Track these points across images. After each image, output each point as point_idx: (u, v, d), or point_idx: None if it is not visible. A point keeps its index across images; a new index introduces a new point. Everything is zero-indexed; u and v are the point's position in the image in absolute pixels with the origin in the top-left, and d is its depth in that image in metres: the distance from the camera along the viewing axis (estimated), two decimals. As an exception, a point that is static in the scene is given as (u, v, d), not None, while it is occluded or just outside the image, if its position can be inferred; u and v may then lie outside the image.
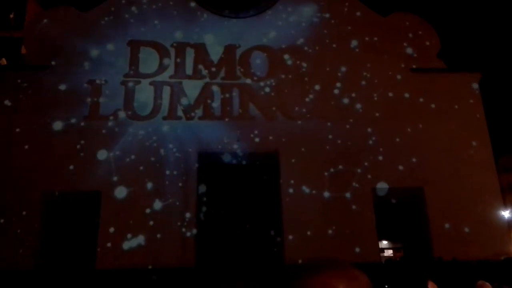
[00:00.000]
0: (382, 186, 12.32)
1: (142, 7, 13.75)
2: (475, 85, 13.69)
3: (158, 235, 11.48)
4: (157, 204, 11.78)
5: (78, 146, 12.00)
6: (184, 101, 12.95)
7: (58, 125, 12.20)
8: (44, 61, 12.80)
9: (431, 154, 12.76)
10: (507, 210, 14.13)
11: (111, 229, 11.39)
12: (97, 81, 12.77)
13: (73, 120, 12.33)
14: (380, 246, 13.42)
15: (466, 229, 12.06)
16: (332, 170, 12.39)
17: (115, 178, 11.86)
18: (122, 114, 12.58)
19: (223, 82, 13.27)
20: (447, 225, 12.15)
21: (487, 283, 4.09)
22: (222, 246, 12.20)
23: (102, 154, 11.98)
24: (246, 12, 14.14)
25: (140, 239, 11.40)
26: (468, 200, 12.35)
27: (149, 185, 11.94)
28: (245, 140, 12.57)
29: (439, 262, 11.15)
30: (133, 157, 12.13)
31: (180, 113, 12.84)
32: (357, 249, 11.67)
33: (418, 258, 12.16)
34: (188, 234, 11.68)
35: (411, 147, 12.82)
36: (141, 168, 12.02)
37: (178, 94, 12.99)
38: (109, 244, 11.34)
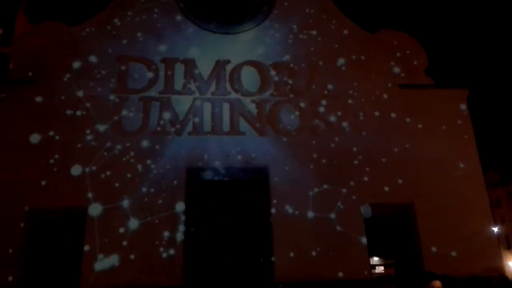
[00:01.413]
0: (366, 208, 12.32)
1: (131, 22, 13.74)
2: (463, 106, 13.81)
3: (145, 253, 11.22)
4: (143, 222, 11.54)
5: (60, 162, 11.81)
6: (173, 116, 12.84)
7: (36, 139, 11.99)
8: (30, 76, 12.66)
9: (420, 170, 12.80)
10: (497, 225, 14.17)
11: (96, 248, 11.10)
12: (84, 96, 12.60)
13: (56, 136, 12.12)
14: (371, 263, 13.32)
15: (457, 245, 12.05)
16: (319, 188, 12.34)
17: (96, 194, 11.64)
18: (107, 129, 12.39)
19: (213, 97, 13.24)
20: (437, 241, 12.11)
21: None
22: (211, 265, 11.99)
23: (81, 170, 11.83)
24: (235, 28, 14.22)
25: (126, 258, 11.11)
26: (458, 215, 12.36)
27: (133, 202, 11.71)
28: (234, 155, 12.50)
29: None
30: (129, 175, 11.97)
31: (168, 128, 12.71)
32: (348, 267, 11.56)
33: (409, 275, 12.09)
34: (175, 252, 11.42)
35: (400, 163, 12.85)
36: (117, 184, 11.82)
37: (167, 110, 12.88)
38: (93, 263, 11.03)
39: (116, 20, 13.75)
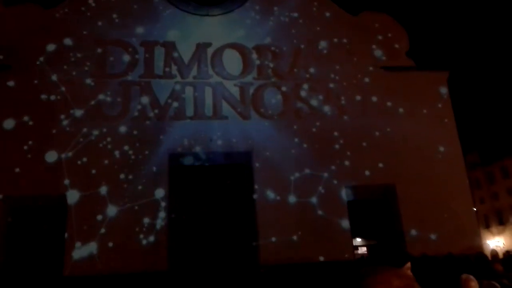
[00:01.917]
0: (347, 191, 12.48)
1: (110, 5, 13.34)
2: (444, 89, 13.92)
3: (128, 239, 11.13)
4: (125, 208, 11.40)
5: (35, 148, 11.54)
6: (153, 101, 12.65)
7: (10, 125, 11.68)
8: (5, 61, 12.27)
9: (402, 153, 12.92)
10: (476, 206, 14.46)
11: (75, 235, 10.97)
12: (59, 80, 12.25)
13: (30, 121, 11.79)
14: (354, 244, 13.51)
15: (437, 225, 12.25)
16: (301, 172, 12.32)
17: (73, 181, 11.44)
18: (84, 114, 12.11)
19: (194, 81, 13.04)
20: (418, 222, 12.30)
21: (471, 276, 4.06)
22: (195, 249, 11.99)
23: (56, 156, 11.56)
24: (216, 10, 13.98)
25: (106, 245, 11.00)
26: (438, 196, 12.55)
27: (112, 188, 11.53)
28: (217, 140, 12.40)
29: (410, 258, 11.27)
30: (106, 162, 11.74)
31: (149, 113, 12.53)
32: (331, 248, 11.68)
33: (387, 255, 12.31)
34: (159, 237, 11.35)
35: (382, 146, 12.93)
36: (94, 171, 11.60)
37: (147, 94, 12.68)
38: (77, 250, 10.92)
39: (91, 1, 13.34)
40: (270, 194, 12.10)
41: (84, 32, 12.93)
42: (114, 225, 11.21)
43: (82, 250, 10.91)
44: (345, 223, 12.11)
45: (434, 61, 14.97)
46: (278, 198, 12.06)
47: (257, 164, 12.41)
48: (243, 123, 12.79)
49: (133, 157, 11.93)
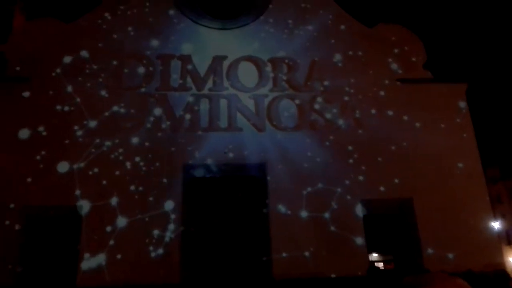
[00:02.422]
0: (361, 207, 12.22)
1: (125, 18, 13.60)
2: (463, 104, 13.64)
3: (141, 251, 11.14)
4: (138, 218, 11.43)
5: (47, 158, 11.71)
6: (169, 113, 12.72)
7: (25, 135, 11.91)
8: (25, 73, 12.58)
9: (419, 166, 12.65)
10: (497, 221, 14.05)
11: (86, 246, 11.04)
12: (75, 93, 12.46)
13: (45, 132, 12.01)
14: (370, 259, 13.23)
15: (456, 240, 11.90)
16: (313, 187, 12.18)
17: (84, 192, 11.54)
18: (97, 125, 12.25)
19: (210, 93, 13.11)
20: (437, 237, 11.98)
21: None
22: (208, 262, 11.90)
23: (71, 167, 11.70)
24: (231, 23, 14.08)
25: (122, 255, 11.03)
26: (457, 211, 12.24)
27: (126, 199, 11.61)
28: (232, 152, 12.39)
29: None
30: (117, 173, 11.81)
31: (164, 125, 12.59)
32: (347, 263, 11.45)
33: (408, 270, 11.99)
34: (171, 249, 11.32)
35: (399, 160, 12.72)
36: (105, 182, 11.69)
37: (163, 106, 12.76)
38: (90, 261, 10.96)
39: (107, 15, 13.59)
40: (283, 208, 11.97)
41: (100, 45, 13.16)
42: (124, 236, 11.22)
43: (91, 261, 10.96)
44: (360, 239, 11.86)
45: (452, 73, 14.74)
46: (291, 212, 11.92)
47: (270, 177, 12.33)
48: (257, 135, 12.76)
49: (144, 168, 11.97)
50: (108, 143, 12.11)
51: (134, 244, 11.17)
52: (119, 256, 10.99)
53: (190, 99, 12.96)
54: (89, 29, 13.36)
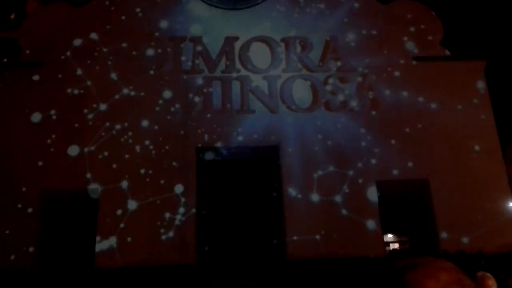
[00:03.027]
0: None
1: (138, 2, 13.47)
2: (481, 84, 13.25)
3: (156, 232, 11.29)
4: (154, 200, 11.55)
5: (65, 143, 11.84)
6: (181, 95, 12.66)
7: (37, 118, 12.03)
8: (36, 58, 12.65)
9: (436, 146, 12.45)
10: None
11: (109, 228, 11.21)
12: (86, 75, 12.50)
13: (55, 116, 12.11)
14: (385, 240, 13.17)
15: (473, 222, 11.76)
16: (325, 170, 12.09)
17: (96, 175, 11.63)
18: (107, 109, 12.30)
19: (222, 75, 12.99)
20: (453, 218, 11.83)
21: (488, 274, 3.76)
22: (224, 243, 12.00)
23: (81, 150, 11.81)
24: (243, 3, 13.85)
25: (138, 237, 11.18)
26: (474, 192, 12.05)
27: (142, 181, 11.71)
28: (245, 134, 12.34)
29: (444, 256, 10.88)
30: (127, 156, 11.88)
31: (177, 107, 12.55)
32: (362, 244, 11.43)
33: (424, 251, 11.90)
34: (185, 231, 11.44)
35: (415, 138, 12.53)
36: (115, 165, 11.79)
37: (175, 89, 12.71)
38: (107, 243, 11.14)
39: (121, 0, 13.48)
40: (295, 191, 11.94)
41: (109, 27, 13.10)
42: (136, 219, 11.35)
43: (104, 244, 11.17)
44: (374, 222, 11.80)
45: (470, 50, 14.25)
46: (303, 195, 11.90)
47: (282, 160, 12.28)
48: (270, 117, 12.66)
49: (154, 152, 12.01)
50: (118, 126, 12.16)
51: (146, 226, 11.29)
52: (129, 239, 11.13)
53: (201, 81, 12.87)
54: (99, 12, 13.30)
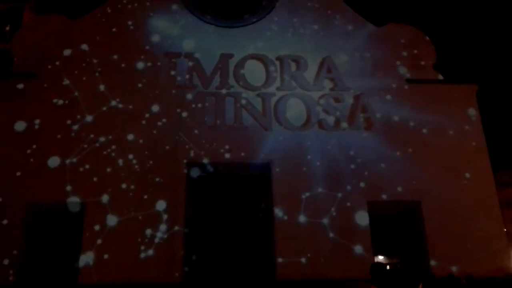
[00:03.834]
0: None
1: (132, 16, 13.52)
2: (472, 111, 13.32)
3: (143, 249, 11.05)
4: (135, 216, 11.35)
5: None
6: (168, 110, 12.55)
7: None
8: (29, 68, 12.55)
9: (428, 168, 12.46)
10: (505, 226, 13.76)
11: (95, 242, 10.99)
12: (73, 86, 12.40)
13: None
14: (376, 261, 13.00)
15: (464, 245, 11.71)
16: (311, 192, 12.03)
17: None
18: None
19: (216, 91, 12.96)
20: (444, 240, 11.79)
21: None
22: (211, 262, 11.76)
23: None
24: (239, 22, 13.94)
25: (125, 253, 10.93)
26: (466, 215, 12.02)
27: (124, 196, 11.52)
28: (235, 150, 12.24)
29: (434, 278, 10.76)
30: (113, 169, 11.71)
31: (160, 123, 12.41)
32: (351, 266, 11.29)
33: (414, 273, 11.78)
34: (175, 248, 11.24)
35: (408, 160, 12.54)
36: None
37: (162, 103, 12.61)
38: (92, 258, 10.88)
39: (109, 10, 13.49)
40: (285, 209, 11.79)
41: (97, 38, 13.07)
42: (116, 235, 11.12)
43: (83, 259, 10.93)
44: (363, 245, 11.71)
45: (463, 74, 14.44)
46: (292, 214, 11.75)
47: (274, 177, 12.19)
48: (264, 133, 12.61)
49: (137, 166, 11.85)
50: (102, 138, 11.99)
51: (126, 243, 11.02)
52: (107, 256, 10.87)
53: (191, 96, 12.79)
54: (92, 24, 13.28)
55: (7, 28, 18.84)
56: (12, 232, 10.99)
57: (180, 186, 11.80)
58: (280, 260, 11.32)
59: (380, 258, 13.71)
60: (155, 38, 13.34)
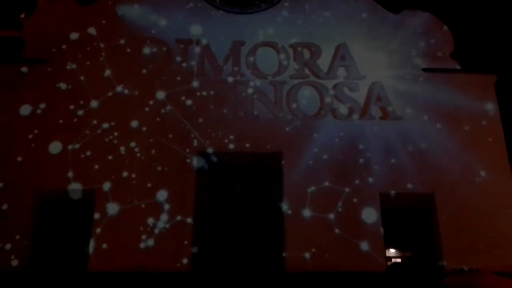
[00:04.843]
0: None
1: (140, 2, 13.29)
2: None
3: (151, 239, 11.00)
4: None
5: (72, 143, 11.62)
6: (174, 98, 12.37)
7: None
8: (42, 55, 12.51)
9: (443, 159, 12.16)
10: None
11: (103, 230, 10.98)
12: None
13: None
14: (387, 255, 12.84)
15: (479, 239, 11.45)
16: (320, 185, 11.75)
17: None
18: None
19: (225, 79, 12.75)
20: (458, 234, 11.54)
21: None
22: (220, 252, 11.70)
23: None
24: (251, 8, 13.64)
25: (133, 242, 10.92)
26: (481, 207, 11.69)
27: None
28: (244, 139, 12.06)
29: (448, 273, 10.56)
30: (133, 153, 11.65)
31: (164, 110, 12.25)
32: (363, 259, 11.14)
33: (426, 268, 11.59)
34: (185, 238, 11.14)
35: (421, 150, 12.25)
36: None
37: (169, 90, 12.44)
38: (101, 246, 10.89)
39: (126, 1, 13.27)
40: (299, 199, 11.58)
41: (104, 22, 12.91)
42: (149, 221, 11.05)
43: (122, 245, 10.91)
44: (379, 230, 11.50)
45: (481, 62, 14.00)
46: (310, 198, 11.54)
47: (285, 168, 11.98)
48: (275, 122, 12.40)
49: (142, 156, 11.71)
50: (105, 125, 11.86)
51: (129, 231, 10.99)
52: (104, 246, 10.84)
53: (197, 84, 12.56)
54: (100, 10, 13.11)
55: (22, 16, 18.80)
56: (18, 219, 11.02)
57: (180, 176, 11.64)
58: (286, 254, 11.17)
59: (392, 251, 13.54)
60: (162, 23, 13.10)
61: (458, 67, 13.38)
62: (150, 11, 13.18)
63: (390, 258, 13.52)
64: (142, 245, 10.93)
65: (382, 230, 11.56)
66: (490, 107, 12.89)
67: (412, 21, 13.68)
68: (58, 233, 11.73)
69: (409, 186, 11.97)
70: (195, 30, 13.13)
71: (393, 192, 11.92)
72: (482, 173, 12.08)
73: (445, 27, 13.76)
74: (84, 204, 11.46)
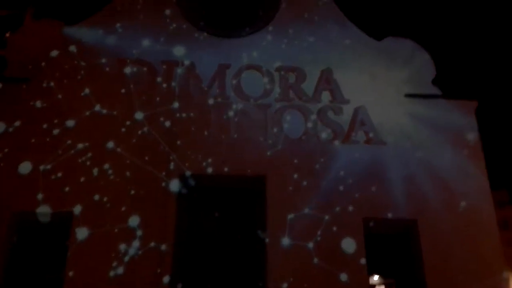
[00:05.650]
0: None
1: (126, 23, 13.24)
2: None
3: (129, 266, 10.61)
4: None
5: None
6: (153, 120, 12.17)
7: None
8: (23, 73, 12.32)
9: (425, 185, 12.15)
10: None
11: (72, 256, 10.62)
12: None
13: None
14: (370, 282, 12.69)
15: (461, 265, 11.39)
16: (299, 212, 11.52)
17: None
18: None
19: (208, 101, 12.65)
20: (441, 260, 11.50)
21: None
22: (195, 282, 11.34)
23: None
24: (237, 32, 13.73)
25: (103, 269, 10.50)
26: (464, 235, 11.71)
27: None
28: (227, 162, 11.88)
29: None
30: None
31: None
32: (345, 285, 10.89)
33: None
34: (157, 263, 10.75)
35: (404, 177, 12.22)
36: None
37: (149, 112, 12.25)
38: (77, 271, 10.50)
39: (112, 22, 13.19)
40: (288, 222, 11.34)
41: (84, 41, 12.81)
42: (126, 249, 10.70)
43: (99, 270, 10.49)
44: (363, 256, 11.34)
45: (462, 90, 14.29)
46: (294, 225, 11.29)
47: (269, 192, 11.82)
48: (260, 146, 12.28)
49: (113, 177, 11.38)
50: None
51: (138, 259, 10.60)
52: (71, 273, 10.43)
53: (177, 105, 12.39)
54: (84, 29, 13.02)
55: (7, 35, 18.77)
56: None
57: (155, 200, 11.34)
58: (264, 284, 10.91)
59: (375, 278, 13.39)
60: (145, 43, 13.01)
61: (439, 93, 13.59)
62: (132, 30, 13.11)
63: (373, 286, 13.38)
64: (111, 273, 10.45)
65: (364, 260, 11.34)
66: (472, 134, 13.04)
67: (395, 48, 13.93)
68: (33, 258, 11.32)
69: (392, 212, 11.90)
70: (178, 51, 13.03)
71: (375, 218, 11.84)
72: (464, 202, 12.10)
73: (427, 54, 14.01)
74: (62, 227, 11.10)
